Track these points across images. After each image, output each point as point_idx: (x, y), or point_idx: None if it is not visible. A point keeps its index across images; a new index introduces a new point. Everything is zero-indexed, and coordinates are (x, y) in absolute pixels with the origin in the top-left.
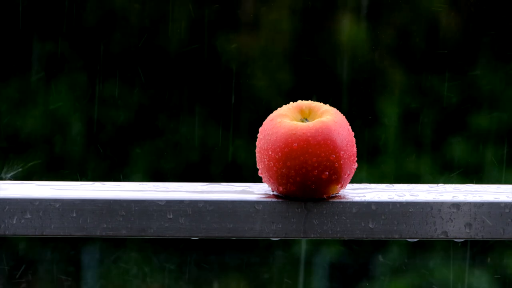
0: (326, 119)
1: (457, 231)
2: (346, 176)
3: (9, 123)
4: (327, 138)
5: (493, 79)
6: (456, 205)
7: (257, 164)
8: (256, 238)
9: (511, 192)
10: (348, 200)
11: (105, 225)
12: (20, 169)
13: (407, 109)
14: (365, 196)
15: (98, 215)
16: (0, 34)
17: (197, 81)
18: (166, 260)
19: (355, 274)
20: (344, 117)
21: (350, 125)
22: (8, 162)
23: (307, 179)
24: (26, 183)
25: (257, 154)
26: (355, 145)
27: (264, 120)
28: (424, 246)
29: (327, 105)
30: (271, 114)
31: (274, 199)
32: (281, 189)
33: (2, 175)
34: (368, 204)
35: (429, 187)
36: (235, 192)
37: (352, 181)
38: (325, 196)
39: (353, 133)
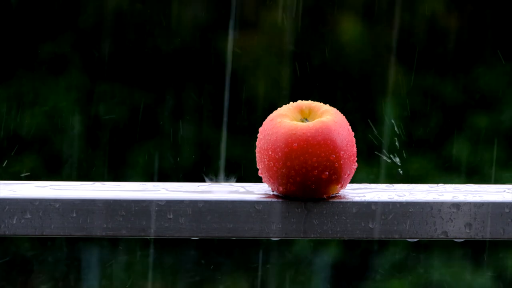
0: (326, 119)
1: (457, 231)
2: (346, 176)
3: (9, 123)
4: (327, 138)
5: (494, 79)
6: (456, 205)
7: (257, 164)
8: (256, 238)
9: (511, 192)
10: (348, 200)
11: (105, 225)
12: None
13: (407, 109)
14: (365, 196)
15: (98, 215)
16: (0, 34)
17: (197, 81)
18: (166, 260)
19: (355, 274)
20: (344, 117)
21: (350, 125)
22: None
23: (307, 179)
24: (26, 183)
25: (257, 154)
26: (355, 145)
27: (264, 120)
28: (424, 246)
29: (327, 105)
30: (271, 114)
31: (274, 199)
32: (281, 189)
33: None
34: (368, 204)
35: (429, 187)
36: (235, 192)
37: (352, 181)
38: (325, 196)
39: (353, 133)
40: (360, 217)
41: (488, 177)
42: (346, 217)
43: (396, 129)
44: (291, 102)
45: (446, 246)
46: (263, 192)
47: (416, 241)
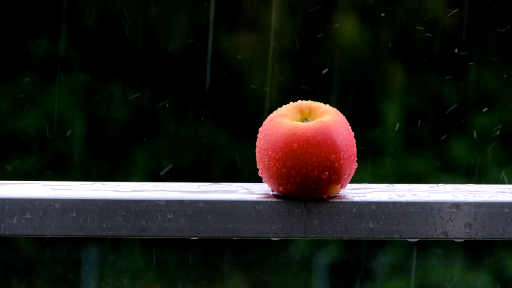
0: (326, 119)
1: (457, 231)
2: (346, 176)
3: (9, 123)
4: (327, 138)
5: (494, 79)
6: (456, 205)
7: (257, 164)
8: (256, 238)
9: (511, 192)
10: (348, 200)
11: (105, 225)
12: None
13: (407, 109)
14: (365, 196)
15: (98, 215)
16: (0, 34)
17: (197, 81)
18: (166, 260)
19: (355, 274)
20: (344, 117)
21: (350, 125)
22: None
23: (307, 179)
24: (26, 183)
25: (257, 154)
26: (355, 145)
27: (264, 120)
28: (424, 246)
29: (327, 105)
30: (271, 114)
31: (274, 199)
32: (281, 189)
33: None
34: (368, 204)
35: (429, 187)
36: (235, 192)
37: (352, 181)
38: (325, 196)
39: (353, 133)
40: (360, 217)
41: (488, 177)
42: (346, 217)
43: (396, 129)
44: (291, 102)
45: (446, 246)
46: (263, 192)
47: (416, 241)
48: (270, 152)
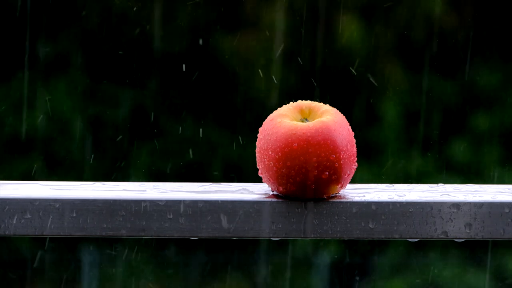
0: (326, 119)
1: (457, 231)
2: (346, 176)
3: (9, 123)
4: (327, 138)
5: (494, 79)
6: (456, 205)
7: (257, 164)
8: (256, 238)
9: (511, 192)
10: (348, 200)
11: (105, 225)
12: None
13: (407, 109)
14: (365, 196)
15: (98, 215)
16: (0, 34)
17: (196, 81)
18: (165, 259)
19: (355, 274)
20: (344, 117)
21: (350, 125)
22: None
23: (307, 179)
24: (26, 183)
25: (257, 154)
26: (355, 145)
27: (264, 120)
28: (424, 246)
29: (327, 105)
30: (271, 114)
31: (274, 199)
32: (281, 189)
33: None
34: (368, 204)
35: (429, 187)
36: (235, 192)
37: (352, 181)
38: (325, 196)
39: (353, 133)
40: (360, 217)
41: (488, 177)
42: (346, 217)
43: (396, 129)
44: (291, 102)
45: (446, 246)
46: (263, 192)
47: (417, 241)
48: (270, 152)
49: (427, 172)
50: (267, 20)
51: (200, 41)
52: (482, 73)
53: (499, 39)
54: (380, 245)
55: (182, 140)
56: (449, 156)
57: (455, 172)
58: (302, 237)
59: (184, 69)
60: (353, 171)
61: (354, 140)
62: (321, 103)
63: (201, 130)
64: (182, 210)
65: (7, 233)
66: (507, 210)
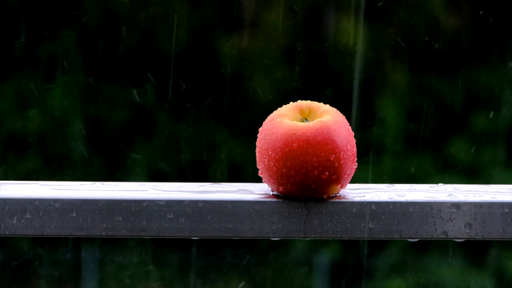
0: (326, 119)
1: (457, 231)
2: (346, 176)
3: (9, 123)
4: (327, 138)
5: (494, 79)
6: (456, 205)
7: (257, 164)
8: (256, 238)
9: (511, 192)
10: (348, 200)
11: (105, 225)
12: None
13: (407, 109)
14: (365, 196)
15: (98, 215)
16: (0, 34)
17: (196, 81)
18: (165, 259)
19: (355, 274)
20: (344, 117)
21: (350, 125)
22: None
23: (307, 179)
24: (26, 183)
25: (257, 154)
26: (355, 145)
27: (264, 120)
28: (424, 246)
29: (327, 105)
30: (271, 114)
31: (274, 199)
32: (281, 189)
33: None
34: (368, 204)
35: (429, 187)
36: (235, 192)
37: (352, 181)
38: (325, 196)
39: (353, 133)
40: (360, 217)
41: (488, 177)
42: (346, 217)
43: (396, 129)
44: (291, 102)
45: (446, 246)
46: (263, 192)
47: (416, 241)
48: (270, 152)
49: (427, 172)
50: (267, 20)
51: (200, 41)
52: (482, 73)
53: (499, 39)
54: (380, 245)
55: (182, 140)
56: (449, 156)
57: (455, 172)
58: (302, 237)
59: (184, 69)
60: (353, 171)
61: (354, 140)
62: (321, 103)
63: (201, 130)
64: (182, 210)
65: (7, 233)
66: (507, 210)
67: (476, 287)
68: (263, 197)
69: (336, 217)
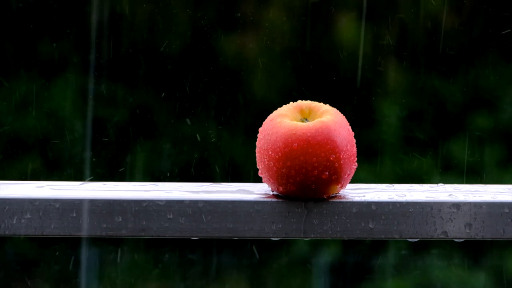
0: (326, 119)
1: (457, 231)
2: (346, 176)
3: (9, 123)
4: (327, 138)
5: (494, 79)
6: (456, 205)
7: (257, 164)
8: (256, 238)
9: (511, 192)
10: (348, 200)
11: (105, 225)
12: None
13: (407, 109)
14: (365, 196)
15: (98, 215)
16: (0, 34)
17: (196, 81)
18: (165, 259)
19: (355, 274)
20: (344, 117)
21: (350, 125)
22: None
23: (307, 179)
24: (26, 183)
25: (257, 154)
26: (355, 145)
27: (264, 120)
28: (424, 246)
29: (327, 105)
30: (271, 114)
31: (274, 199)
32: (281, 189)
33: None
34: (368, 204)
35: (429, 187)
36: (235, 192)
37: (352, 181)
38: (325, 196)
39: (353, 133)
40: (360, 217)
41: (488, 177)
42: (346, 217)
43: (396, 129)
44: (291, 102)
45: (446, 246)
46: (263, 192)
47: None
48: (270, 152)
49: (427, 172)
50: (267, 19)
51: (201, 41)
52: (482, 73)
53: (499, 39)
54: (380, 245)
55: (182, 140)
56: (449, 156)
57: (455, 172)
58: (302, 237)
59: (184, 69)
60: (353, 171)
61: (354, 140)
62: (321, 103)
63: (201, 130)
64: (182, 210)
65: (7, 233)
66: (507, 210)
67: (476, 287)
68: (263, 197)
69: (336, 217)
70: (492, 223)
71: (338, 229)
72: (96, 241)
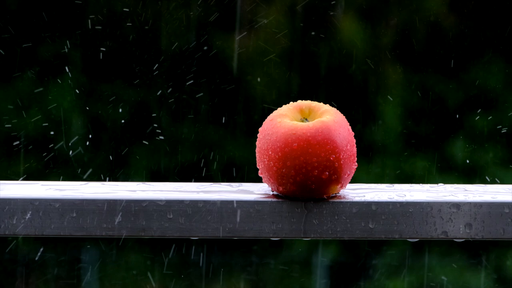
0: (326, 119)
1: (457, 231)
2: (346, 176)
3: (8, 123)
4: (327, 138)
5: (494, 79)
6: (456, 205)
7: (257, 164)
8: (256, 238)
9: (511, 192)
10: (348, 200)
11: (105, 225)
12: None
13: (407, 109)
14: (365, 196)
15: (98, 215)
16: (0, 34)
17: (196, 81)
18: (165, 259)
19: (355, 274)
20: (344, 117)
21: (350, 125)
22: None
23: (307, 179)
24: (26, 183)
25: (257, 154)
26: (355, 145)
27: (264, 120)
28: (424, 246)
29: (327, 105)
30: (271, 114)
31: (274, 199)
32: (281, 189)
33: None
34: (368, 204)
35: (429, 187)
36: (235, 192)
37: (352, 181)
38: (325, 196)
39: (353, 133)
40: (360, 217)
41: (488, 177)
42: (346, 217)
43: (396, 129)
44: (291, 102)
45: (446, 246)
46: (263, 192)
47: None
48: (270, 152)
49: (427, 172)
50: (267, 19)
51: (200, 41)
52: (482, 73)
53: (499, 39)
54: (380, 245)
55: (182, 140)
56: (449, 156)
57: (455, 172)
58: (302, 237)
59: (184, 69)
60: (353, 171)
61: (354, 140)
62: (321, 103)
63: (201, 129)
64: (182, 210)
65: (7, 233)
66: (507, 210)
67: (476, 287)
68: (263, 197)
69: (336, 217)
70: (492, 223)
71: (338, 229)
72: (96, 241)
